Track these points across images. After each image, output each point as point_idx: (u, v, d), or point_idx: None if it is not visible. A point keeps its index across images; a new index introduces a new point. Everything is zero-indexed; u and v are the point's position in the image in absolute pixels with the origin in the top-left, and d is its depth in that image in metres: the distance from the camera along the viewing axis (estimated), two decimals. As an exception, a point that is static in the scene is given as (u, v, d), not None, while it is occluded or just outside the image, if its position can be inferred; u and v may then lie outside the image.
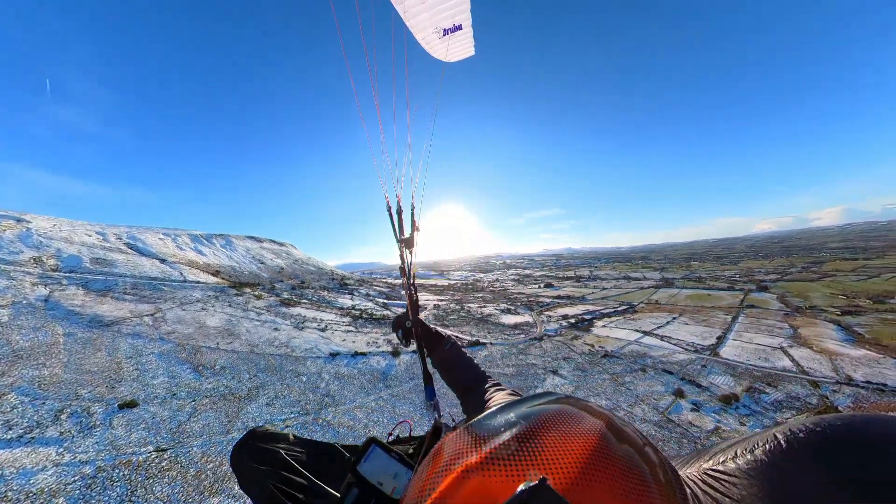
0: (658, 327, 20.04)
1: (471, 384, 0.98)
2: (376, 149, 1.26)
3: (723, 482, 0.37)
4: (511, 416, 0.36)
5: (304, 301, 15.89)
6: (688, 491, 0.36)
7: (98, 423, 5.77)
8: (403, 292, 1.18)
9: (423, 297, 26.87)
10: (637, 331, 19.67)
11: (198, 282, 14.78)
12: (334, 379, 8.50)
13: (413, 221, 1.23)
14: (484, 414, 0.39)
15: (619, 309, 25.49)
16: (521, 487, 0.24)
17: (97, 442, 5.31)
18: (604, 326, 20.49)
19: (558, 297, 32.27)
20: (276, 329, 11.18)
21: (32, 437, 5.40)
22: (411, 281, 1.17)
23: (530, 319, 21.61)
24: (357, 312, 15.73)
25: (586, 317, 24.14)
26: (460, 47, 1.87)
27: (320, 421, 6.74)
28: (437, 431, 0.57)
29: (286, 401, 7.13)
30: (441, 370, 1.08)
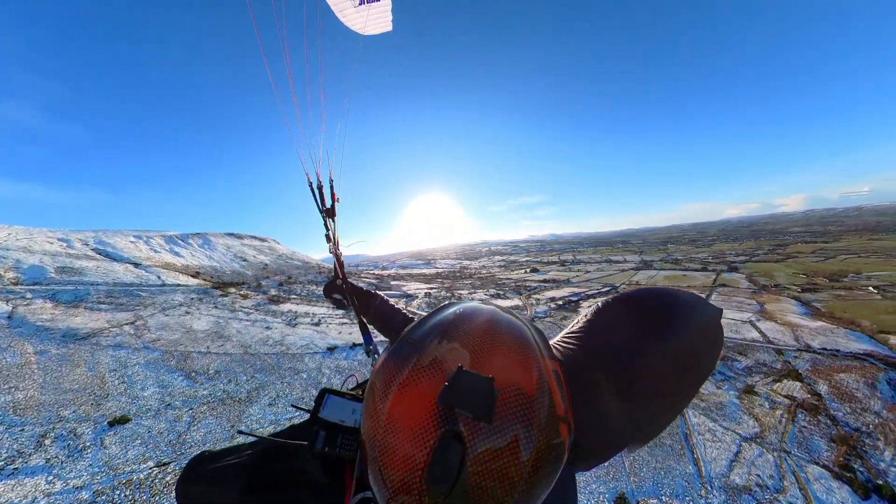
0: None
1: (403, 328, 1.12)
2: (293, 127, 1.37)
3: (572, 339, 0.59)
4: (421, 330, 0.46)
5: (294, 296, 15.51)
6: (555, 351, 0.53)
7: (88, 444, 5.49)
8: (332, 257, 1.33)
9: (413, 287, 26.83)
10: None
11: (178, 285, 14.09)
12: (335, 373, 8.47)
13: (332, 193, 1.34)
14: (401, 337, 0.48)
15: (603, 290, 26.54)
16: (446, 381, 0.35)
17: (90, 464, 5.06)
18: (589, 307, 21.02)
19: (544, 280, 33.10)
20: (267, 328, 10.91)
21: (15, 468, 5.05)
22: (336, 248, 1.33)
23: (520, 303, 22.12)
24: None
25: (573, 298, 24.96)
26: (378, 20, 1.73)
27: (327, 419, 6.75)
28: None
29: (289, 399, 7.04)
30: (377, 324, 1.24)
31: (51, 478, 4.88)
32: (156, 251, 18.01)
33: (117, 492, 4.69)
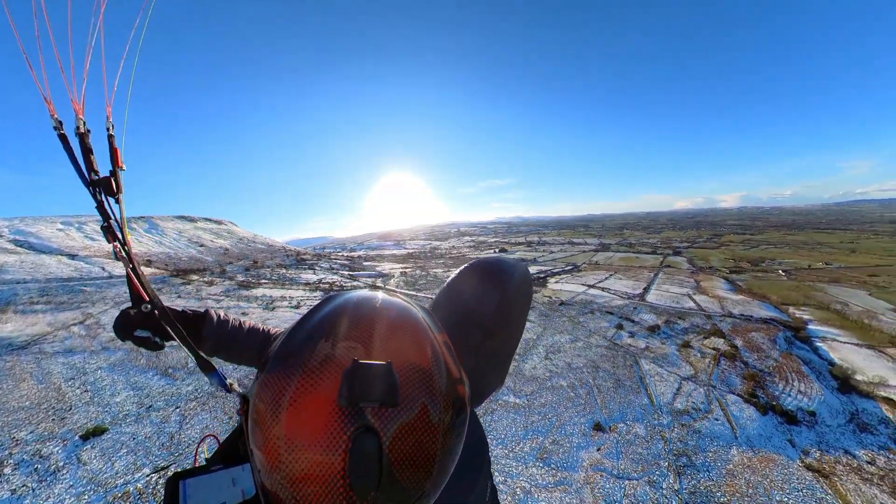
0: (599, 282, 23.23)
1: (263, 346, 0.90)
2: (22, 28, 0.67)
3: (443, 305, 0.69)
4: (300, 335, 0.40)
5: (265, 281, 14.67)
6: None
7: (61, 463, 5.04)
8: (122, 264, 0.72)
9: (388, 266, 26.58)
10: (583, 285, 22.55)
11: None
12: None
13: (114, 152, 0.72)
14: (275, 352, 0.41)
15: (567, 269, 28.62)
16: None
17: (71, 485, 4.69)
18: (556, 282, 23.05)
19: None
20: (243, 313, 10.36)
21: None
22: (126, 245, 0.72)
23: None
24: (326, 286, 15.17)
25: (540, 275, 26.49)
26: None
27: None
28: (247, 402, 0.49)
29: None
30: (223, 353, 0.88)
31: (26, 504, 4.48)
32: (92, 239, 15.73)
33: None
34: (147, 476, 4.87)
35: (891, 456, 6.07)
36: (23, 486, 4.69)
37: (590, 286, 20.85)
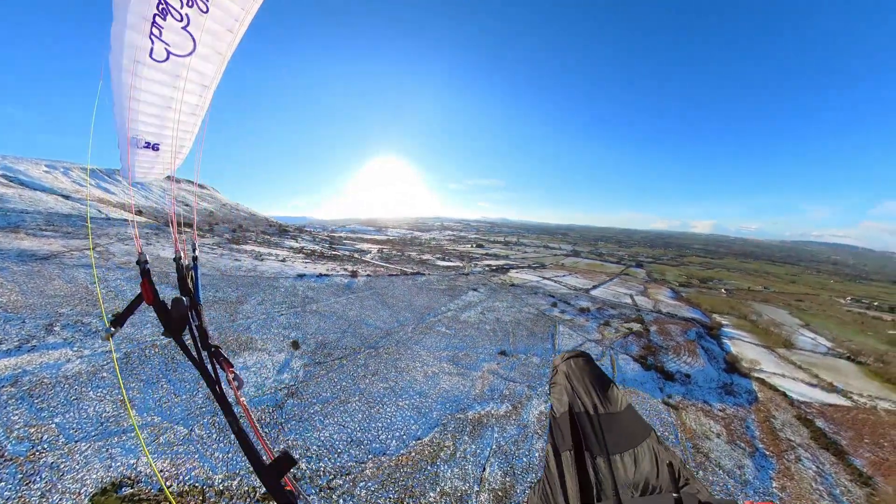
0: (556, 277, 26.31)
1: None
2: None
3: None
4: None
5: (251, 241, 16.10)
6: None
7: (99, 328, 6.74)
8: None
9: (367, 245, 28.35)
10: (540, 277, 25.53)
11: (125, 220, 13.74)
12: (308, 289, 10.28)
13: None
14: None
15: (532, 266, 31.71)
16: None
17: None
18: (516, 273, 25.97)
19: (486, 254, 37.57)
20: (236, 260, 11.96)
21: (33, 346, 6.21)
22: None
23: (461, 265, 25.47)
24: (309, 251, 16.85)
25: (505, 267, 29.25)
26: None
27: (309, 310, 8.68)
28: None
29: (273, 301, 8.82)
30: None
31: (76, 348, 6.17)
32: (79, 184, 16.41)
33: (147, 350, 6.24)
34: (169, 339, 6.67)
35: (738, 408, 8.64)
36: (72, 337, 6.35)
37: (545, 278, 23.72)
